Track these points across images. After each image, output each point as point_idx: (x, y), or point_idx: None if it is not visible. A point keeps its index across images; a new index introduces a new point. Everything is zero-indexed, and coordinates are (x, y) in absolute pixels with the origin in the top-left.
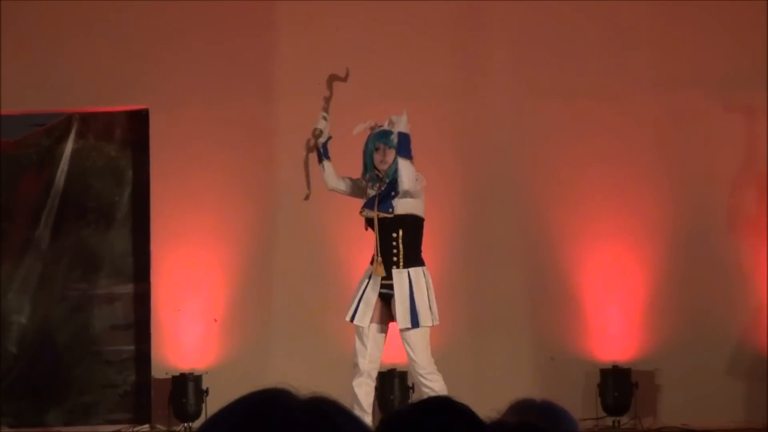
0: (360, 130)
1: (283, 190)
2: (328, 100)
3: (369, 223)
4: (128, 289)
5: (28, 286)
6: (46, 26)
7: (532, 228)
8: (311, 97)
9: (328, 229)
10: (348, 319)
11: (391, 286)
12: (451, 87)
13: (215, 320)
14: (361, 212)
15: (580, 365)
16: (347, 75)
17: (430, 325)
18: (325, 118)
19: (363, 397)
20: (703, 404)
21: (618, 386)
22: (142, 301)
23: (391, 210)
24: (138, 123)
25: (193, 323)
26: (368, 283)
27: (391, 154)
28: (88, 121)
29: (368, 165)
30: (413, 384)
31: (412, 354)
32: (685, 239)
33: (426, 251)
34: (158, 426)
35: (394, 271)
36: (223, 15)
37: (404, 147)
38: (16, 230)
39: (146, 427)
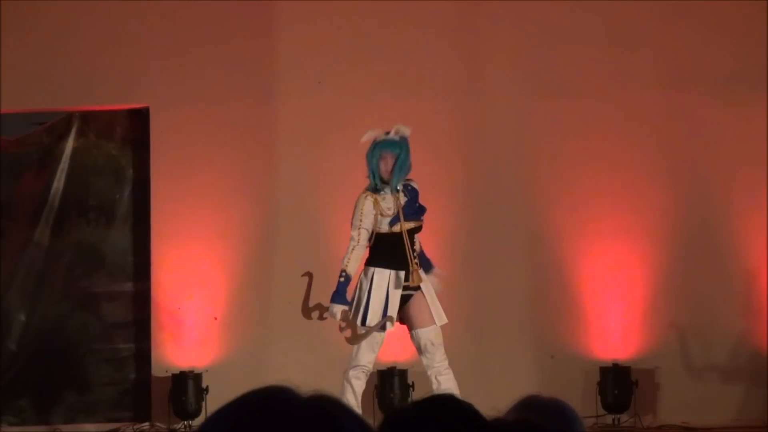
0: (369, 138)
1: (284, 188)
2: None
3: (382, 237)
4: (128, 287)
5: (29, 285)
6: (47, 25)
7: (533, 226)
8: (312, 96)
9: (328, 227)
10: (373, 323)
11: (408, 288)
12: (453, 86)
13: (215, 318)
14: (390, 228)
15: (580, 363)
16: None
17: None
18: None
19: (358, 389)
20: (702, 402)
21: (618, 384)
22: (142, 300)
23: (421, 218)
24: (138, 121)
25: (193, 321)
26: (388, 287)
27: (391, 161)
28: (88, 119)
29: (375, 174)
30: (413, 382)
31: (434, 349)
32: (685, 238)
33: (427, 249)
34: (158, 424)
35: (419, 273)
36: (223, 14)
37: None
38: (16, 228)
39: (146, 425)
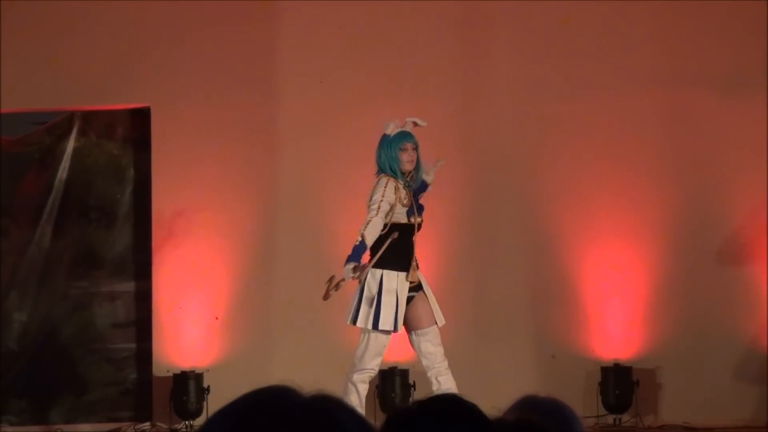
0: (392, 128)
1: (285, 187)
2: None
3: (400, 228)
4: (129, 286)
5: (30, 284)
6: (47, 24)
7: (534, 226)
8: (313, 95)
9: (329, 226)
10: (389, 328)
11: (411, 290)
12: (454, 85)
13: (216, 318)
14: (409, 219)
15: (581, 363)
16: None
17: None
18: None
19: (362, 393)
20: (704, 402)
21: (619, 384)
22: (143, 299)
23: (421, 215)
24: (139, 121)
25: (194, 321)
26: (397, 289)
27: (415, 154)
28: (89, 119)
29: (395, 168)
30: (414, 382)
31: (435, 350)
32: (686, 238)
33: (428, 249)
34: (159, 424)
35: (418, 273)
36: (224, 13)
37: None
38: (17, 228)
39: (147, 424)
